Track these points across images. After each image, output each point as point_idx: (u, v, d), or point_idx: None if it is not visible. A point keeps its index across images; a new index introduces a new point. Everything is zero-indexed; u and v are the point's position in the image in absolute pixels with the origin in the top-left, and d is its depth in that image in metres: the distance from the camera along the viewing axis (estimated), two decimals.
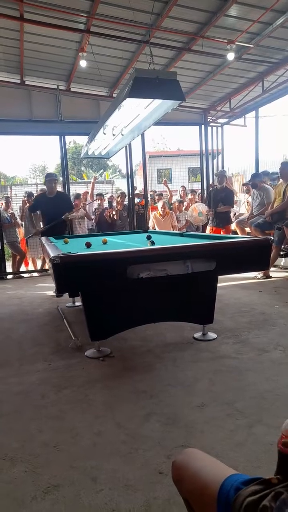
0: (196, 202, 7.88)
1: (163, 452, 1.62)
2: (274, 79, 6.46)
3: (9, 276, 7.07)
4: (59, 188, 7.87)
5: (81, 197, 7.73)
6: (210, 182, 8.14)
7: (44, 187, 6.07)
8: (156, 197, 7.92)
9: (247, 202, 7.33)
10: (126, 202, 7.74)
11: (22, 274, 7.20)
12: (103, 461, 1.59)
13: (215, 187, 6.96)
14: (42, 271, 7.02)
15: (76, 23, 4.97)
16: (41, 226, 5.68)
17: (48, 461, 1.62)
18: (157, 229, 6.75)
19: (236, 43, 5.21)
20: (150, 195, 8.49)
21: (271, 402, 1.99)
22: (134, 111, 3.45)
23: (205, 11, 4.71)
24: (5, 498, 1.42)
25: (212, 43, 5.29)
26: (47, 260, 3.38)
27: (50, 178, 5.45)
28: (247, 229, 6.24)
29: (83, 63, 5.51)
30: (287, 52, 5.76)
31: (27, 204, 7.13)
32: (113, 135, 4.17)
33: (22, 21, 4.78)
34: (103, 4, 4.49)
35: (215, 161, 8.52)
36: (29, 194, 7.35)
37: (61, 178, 7.35)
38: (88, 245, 3.39)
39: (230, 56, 5.34)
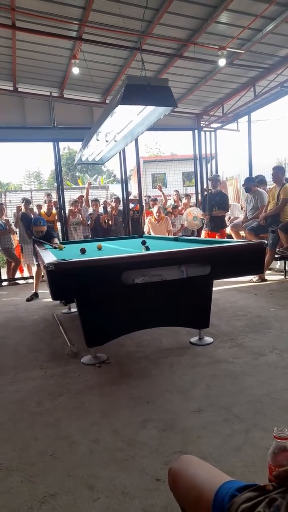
0: (191, 206, 7.91)
1: (160, 459, 1.62)
2: (266, 84, 6.53)
3: (4, 283, 7.04)
4: (54, 195, 7.91)
5: (78, 200, 7.76)
6: (204, 186, 8.18)
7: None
8: (151, 203, 7.94)
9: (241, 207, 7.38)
10: (121, 208, 7.75)
11: (17, 281, 7.18)
12: (100, 469, 1.58)
13: (210, 191, 7.00)
14: (42, 277, 7.00)
15: (68, 31, 5.00)
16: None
17: (44, 470, 1.61)
18: (153, 234, 6.76)
19: (227, 49, 5.26)
20: (145, 200, 8.51)
21: (268, 405, 1.99)
22: (126, 117, 3.48)
23: (196, 18, 4.76)
24: (1, 509, 1.41)
25: (204, 49, 5.33)
26: (41, 267, 3.37)
27: (37, 225, 5.11)
28: (242, 233, 6.27)
29: (75, 70, 5.53)
30: (278, 58, 5.83)
31: (22, 211, 7.12)
32: (107, 141, 4.19)
33: (14, 29, 4.80)
34: (94, 11, 4.52)
35: (209, 165, 8.57)
36: (27, 201, 7.33)
37: (55, 184, 7.35)
38: (83, 251, 3.39)
39: (222, 62, 5.39)
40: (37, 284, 5.52)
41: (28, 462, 1.67)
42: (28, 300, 5.29)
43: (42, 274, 4.00)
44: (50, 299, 4.62)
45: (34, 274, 5.86)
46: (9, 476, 1.58)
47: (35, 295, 5.42)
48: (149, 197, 8.91)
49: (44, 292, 5.24)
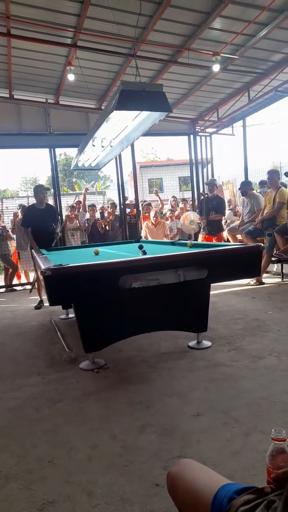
0: (187, 210, 7.93)
1: (160, 464, 1.61)
2: (260, 89, 6.59)
3: (2, 290, 7.02)
4: (51, 201, 7.91)
5: (75, 205, 7.77)
6: (201, 190, 8.22)
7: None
8: (145, 208, 7.97)
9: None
10: (117, 213, 7.76)
11: (15, 287, 7.15)
12: (99, 475, 1.57)
13: (207, 195, 7.02)
14: (35, 283, 6.98)
15: (63, 38, 5.04)
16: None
17: (43, 477, 1.59)
18: (150, 239, 6.77)
19: (221, 54, 5.31)
20: (141, 204, 8.53)
21: (267, 409, 1.98)
22: (122, 123, 3.49)
23: (189, 24, 4.81)
24: None
25: (198, 55, 5.38)
26: (38, 273, 3.37)
27: (41, 189, 5.31)
28: (239, 237, 6.29)
29: (71, 77, 5.57)
30: (271, 63, 5.89)
31: (19, 217, 7.12)
32: (102, 146, 4.20)
33: (10, 36, 4.83)
34: (89, 19, 4.56)
35: (205, 170, 8.61)
36: (23, 207, 7.34)
37: (52, 190, 7.36)
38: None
39: (216, 67, 5.44)
40: (40, 290, 5.30)
41: (26, 469, 1.65)
42: (37, 308, 5.11)
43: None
44: (48, 305, 4.61)
45: (32, 280, 5.82)
46: (7, 483, 1.57)
47: (41, 302, 5.21)
48: (145, 201, 8.94)
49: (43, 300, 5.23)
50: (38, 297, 5.25)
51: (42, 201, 5.22)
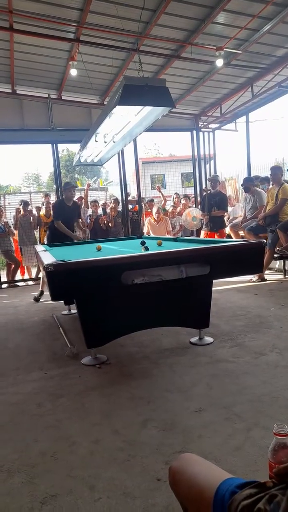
0: (189, 207, 7.91)
1: (161, 459, 1.62)
2: (263, 84, 6.54)
3: (4, 285, 7.04)
4: (53, 196, 7.92)
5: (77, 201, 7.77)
6: (203, 187, 8.19)
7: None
8: (147, 204, 7.95)
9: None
10: (120, 209, 7.75)
11: (17, 283, 7.17)
12: (101, 469, 1.58)
13: (209, 191, 7.00)
14: (37, 279, 7.00)
15: (66, 33, 5.01)
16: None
17: (45, 471, 1.60)
18: (152, 235, 6.76)
19: (225, 49, 5.27)
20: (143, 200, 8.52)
21: (269, 404, 1.99)
22: (124, 118, 3.48)
23: (193, 19, 4.77)
24: (3, 511, 1.40)
25: (201, 49, 5.35)
26: (41, 268, 3.37)
27: (70, 187, 5.55)
28: (241, 233, 6.27)
29: (73, 72, 5.54)
30: (275, 58, 5.84)
31: (21, 213, 7.13)
32: (105, 142, 4.19)
33: (12, 31, 4.81)
34: (92, 13, 4.53)
35: (207, 166, 8.58)
36: (25, 203, 7.35)
37: (54, 186, 7.36)
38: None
39: (219, 62, 5.40)
40: (44, 284, 5.41)
41: (28, 463, 1.66)
42: (36, 299, 5.28)
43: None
44: (50, 300, 4.61)
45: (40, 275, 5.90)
46: (10, 477, 1.58)
47: (42, 293, 5.33)
48: (145, 198, 8.93)
49: (44, 293, 5.24)
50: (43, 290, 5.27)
51: (71, 198, 5.51)
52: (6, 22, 4.69)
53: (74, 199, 5.84)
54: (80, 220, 5.81)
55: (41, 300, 5.28)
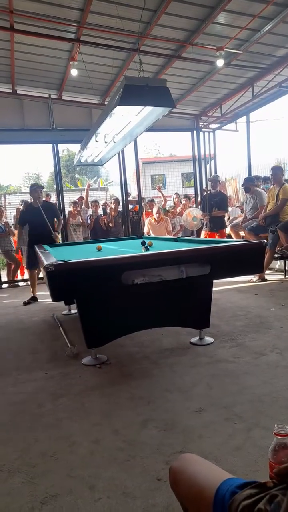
0: (190, 207, 7.91)
1: (162, 459, 1.61)
2: (264, 84, 6.54)
3: (4, 285, 7.04)
4: (54, 196, 7.91)
5: (78, 201, 7.78)
6: (204, 187, 8.20)
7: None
8: (148, 204, 7.96)
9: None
10: (120, 209, 7.76)
11: (18, 283, 7.17)
12: (101, 469, 1.58)
13: (209, 191, 7.00)
14: (38, 279, 6.99)
15: (66, 33, 5.01)
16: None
17: (45, 471, 1.60)
18: (152, 235, 6.76)
19: (225, 49, 5.27)
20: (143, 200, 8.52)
21: (269, 405, 1.98)
22: (125, 118, 3.48)
23: (193, 19, 4.77)
24: (3, 510, 1.40)
25: (202, 50, 5.35)
26: (41, 268, 3.37)
27: (35, 187, 5.31)
28: (242, 233, 6.27)
29: (74, 72, 5.54)
30: (276, 58, 5.84)
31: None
32: (105, 142, 4.19)
33: (13, 31, 4.81)
34: (92, 13, 4.53)
35: (208, 166, 8.57)
36: (26, 203, 7.34)
37: (55, 186, 7.36)
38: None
39: (220, 62, 5.40)
40: (34, 287, 5.37)
41: (29, 463, 1.66)
42: (25, 303, 5.17)
43: (42, 276, 4.00)
44: (50, 301, 4.62)
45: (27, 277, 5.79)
46: (10, 477, 1.58)
47: (33, 299, 5.29)
48: (145, 198, 8.93)
49: (44, 293, 5.24)
50: (42, 292, 5.27)
51: (36, 199, 5.22)
52: (7, 22, 4.69)
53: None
54: (57, 220, 5.43)
55: (32, 303, 5.26)
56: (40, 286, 5.48)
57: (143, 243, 3.61)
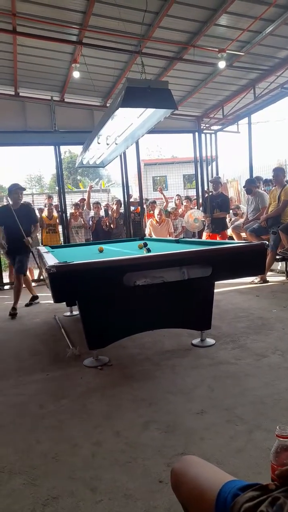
0: (191, 208, 7.91)
1: (163, 461, 1.61)
2: (266, 86, 6.54)
3: (6, 287, 7.04)
4: (56, 198, 7.92)
5: (79, 203, 7.79)
6: (205, 188, 8.20)
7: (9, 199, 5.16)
8: (149, 206, 7.96)
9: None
10: (122, 210, 7.77)
11: None
12: (102, 471, 1.58)
13: (211, 193, 7.00)
14: (39, 280, 7.01)
15: (69, 35, 5.03)
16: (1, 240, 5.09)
17: (46, 473, 1.60)
18: (154, 236, 6.76)
19: (227, 51, 5.27)
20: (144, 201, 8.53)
21: (271, 406, 1.98)
22: (127, 120, 3.48)
23: (195, 21, 4.78)
24: None
25: (203, 52, 5.36)
26: (43, 270, 3.37)
27: (16, 188, 4.96)
28: (243, 235, 6.27)
29: (76, 74, 5.56)
30: (278, 59, 5.84)
31: None
32: (107, 144, 4.20)
33: (15, 34, 4.83)
34: (94, 16, 4.55)
35: (209, 167, 8.58)
36: (28, 205, 7.35)
37: (56, 188, 7.37)
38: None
39: (222, 64, 5.41)
40: (30, 289, 5.29)
41: (30, 465, 1.66)
42: (27, 305, 5.14)
43: (43, 277, 3.98)
44: (52, 302, 4.61)
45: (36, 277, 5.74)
46: (11, 479, 1.58)
47: (34, 298, 5.25)
48: (148, 200, 8.94)
49: (46, 295, 5.24)
50: (43, 293, 5.27)
51: (16, 201, 4.95)
52: (9, 25, 4.71)
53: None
54: (33, 226, 5.11)
55: (34, 304, 5.25)
56: (41, 288, 5.49)
57: (145, 245, 3.61)
